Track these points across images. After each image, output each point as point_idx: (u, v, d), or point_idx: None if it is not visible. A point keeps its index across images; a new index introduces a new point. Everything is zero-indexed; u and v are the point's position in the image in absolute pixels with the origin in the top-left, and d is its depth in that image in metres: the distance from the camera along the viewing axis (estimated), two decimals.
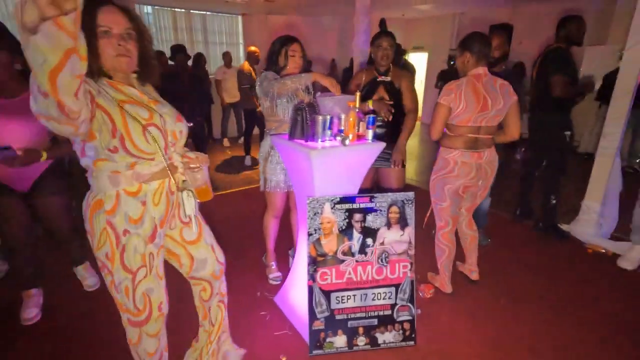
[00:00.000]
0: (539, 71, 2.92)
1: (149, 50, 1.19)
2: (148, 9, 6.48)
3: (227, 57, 6.35)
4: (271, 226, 2.35)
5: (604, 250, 2.83)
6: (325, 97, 1.86)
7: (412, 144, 6.68)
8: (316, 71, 2.00)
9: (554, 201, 3.00)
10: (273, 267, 2.44)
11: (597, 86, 4.98)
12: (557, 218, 3.08)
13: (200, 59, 6.02)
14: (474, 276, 2.40)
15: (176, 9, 6.71)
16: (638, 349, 1.87)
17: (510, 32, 6.80)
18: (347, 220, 1.83)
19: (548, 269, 2.60)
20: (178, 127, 1.23)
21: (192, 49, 6.78)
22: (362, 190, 2.34)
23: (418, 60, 9.23)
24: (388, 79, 2.35)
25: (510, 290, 2.34)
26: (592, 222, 2.98)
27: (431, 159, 4.86)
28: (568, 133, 2.88)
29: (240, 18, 7.35)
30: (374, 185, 2.55)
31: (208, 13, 7.03)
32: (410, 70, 4.94)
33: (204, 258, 1.41)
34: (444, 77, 4.57)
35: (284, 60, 2.07)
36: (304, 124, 1.71)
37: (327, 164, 1.70)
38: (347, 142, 1.65)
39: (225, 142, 6.68)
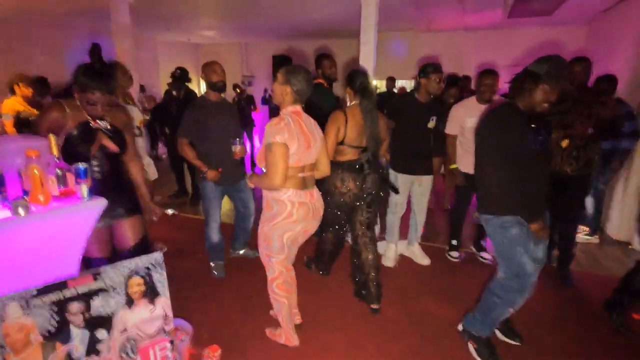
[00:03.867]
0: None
1: None
2: None
3: None
4: None
5: None
6: None
7: None
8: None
9: None
10: None
11: None
12: None
13: None
14: (298, 319, 2.15)
15: None
16: (385, 328, 2.13)
17: (290, 63, 7.58)
18: (57, 317, 1.27)
19: (326, 285, 2.71)
20: None
21: None
22: (100, 261, 1.80)
23: None
24: (107, 125, 1.76)
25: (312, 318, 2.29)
26: None
27: None
28: None
29: None
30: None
31: None
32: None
33: None
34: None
35: None
36: None
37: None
38: (21, 210, 1.11)
39: None
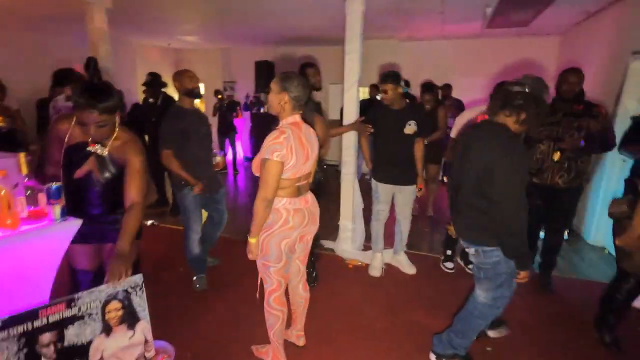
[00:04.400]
0: None
1: None
2: None
3: None
4: None
5: (360, 263, 3.23)
6: None
7: None
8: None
9: None
10: None
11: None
12: None
13: None
14: (302, 342, 2.14)
15: None
16: (375, 337, 2.11)
17: (272, 68, 7.49)
18: (25, 349, 1.17)
19: (312, 297, 2.64)
20: None
21: None
22: (85, 273, 1.70)
23: None
24: (104, 152, 1.58)
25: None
26: (348, 239, 3.39)
27: None
28: None
29: None
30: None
31: None
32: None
33: None
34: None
35: None
36: None
37: None
38: None
39: None
